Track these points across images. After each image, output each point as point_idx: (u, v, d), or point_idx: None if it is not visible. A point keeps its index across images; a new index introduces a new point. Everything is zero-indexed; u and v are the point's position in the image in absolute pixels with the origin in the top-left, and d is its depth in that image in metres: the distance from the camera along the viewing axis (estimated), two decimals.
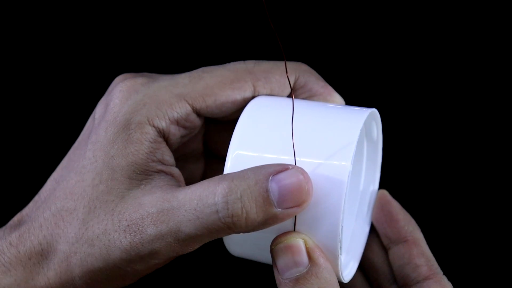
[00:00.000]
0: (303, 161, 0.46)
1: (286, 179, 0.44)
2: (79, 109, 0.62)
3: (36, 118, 0.69)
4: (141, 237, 0.45)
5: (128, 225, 0.45)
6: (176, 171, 0.49)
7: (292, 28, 0.69)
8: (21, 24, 0.68)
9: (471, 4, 0.67)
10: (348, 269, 0.53)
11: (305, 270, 0.45)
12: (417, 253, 0.52)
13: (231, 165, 0.47)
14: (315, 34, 0.69)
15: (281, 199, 0.44)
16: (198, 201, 0.44)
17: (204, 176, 0.56)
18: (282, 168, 0.44)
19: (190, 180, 0.56)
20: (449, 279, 0.52)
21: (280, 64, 0.51)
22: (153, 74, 0.51)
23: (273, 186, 0.44)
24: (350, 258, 0.54)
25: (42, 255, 0.47)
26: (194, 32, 0.69)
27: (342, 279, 0.48)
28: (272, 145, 0.47)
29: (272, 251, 0.46)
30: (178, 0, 0.68)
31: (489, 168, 0.68)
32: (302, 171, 0.44)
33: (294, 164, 0.45)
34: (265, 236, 0.47)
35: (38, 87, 0.69)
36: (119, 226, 0.46)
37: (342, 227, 0.46)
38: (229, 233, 0.45)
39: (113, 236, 0.46)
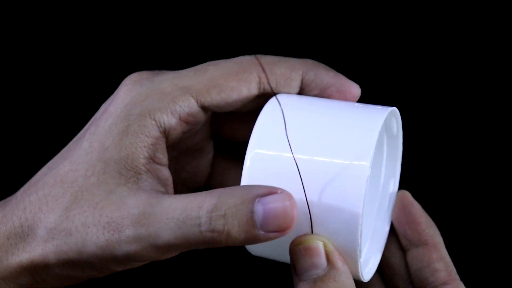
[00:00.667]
0: (321, 161, 0.45)
1: (272, 202, 0.44)
2: (83, 107, 0.62)
3: (38, 118, 0.69)
4: (119, 237, 0.45)
5: (107, 222, 0.45)
6: (166, 173, 0.48)
7: (305, 26, 0.68)
8: (29, 28, 0.68)
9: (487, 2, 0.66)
10: (369, 267, 0.53)
11: (323, 272, 0.45)
12: (437, 258, 0.52)
13: (250, 164, 0.47)
14: (328, 33, 0.68)
15: (264, 222, 0.44)
16: (182, 211, 0.44)
17: (212, 172, 0.56)
18: (270, 191, 0.44)
19: (194, 176, 0.56)
20: (466, 285, 0.52)
21: (287, 59, 0.50)
22: (162, 70, 0.50)
23: (259, 208, 0.44)
24: (371, 255, 0.54)
25: (21, 237, 0.47)
26: (199, 33, 0.68)
27: (362, 278, 0.48)
28: (294, 146, 0.46)
29: (291, 251, 0.46)
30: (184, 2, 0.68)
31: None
32: (289, 196, 0.44)
33: (299, 176, 0.45)
34: (285, 238, 0.46)
35: (41, 88, 0.69)
36: (99, 221, 0.45)
37: (361, 231, 0.45)
38: (207, 247, 0.45)
39: (91, 230, 0.45)
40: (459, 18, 0.67)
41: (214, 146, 0.56)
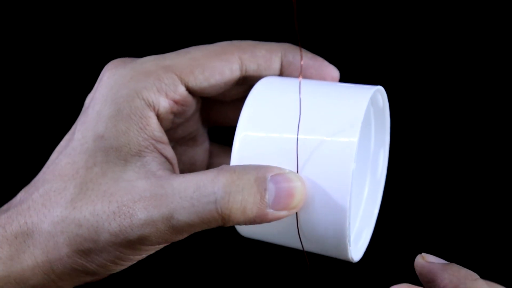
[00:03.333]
0: (309, 139, 0.46)
1: (284, 181, 0.45)
2: (76, 106, 0.63)
3: (32, 115, 0.69)
4: (131, 221, 0.45)
5: (117, 207, 0.45)
6: (169, 151, 0.49)
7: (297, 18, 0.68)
8: (21, 24, 0.69)
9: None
10: (360, 243, 0.53)
11: None
12: None
13: (239, 146, 0.47)
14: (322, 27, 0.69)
15: (275, 201, 0.45)
16: (196, 189, 0.45)
17: (209, 160, 0.57)
18: (280, 172, 0.45)
19: (192, 165, 0.56)
20: None
21: (265, 42, 0.51)
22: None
23: (271, 186, 0.45)
24: (362, 229, 0.54)
25: (28, 234, 0.47)
26: (192, 31, 0.69)
27: (351, 259, 0.48)
28: (280, 126, 0.47)
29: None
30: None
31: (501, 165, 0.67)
32: (299, 177, 0.45)
33: (296, 143, 0.46)
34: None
35: (33, 85, 0.69)
36: (108, 207, 0.45)
37: (351, 208, 0.46)
38: (219, 225, 0.45)
39: (102, 218, 0.45)
40: (454, 10, 0.67)
41: (209, 136, 0.56)
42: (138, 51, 0.67)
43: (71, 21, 0.69)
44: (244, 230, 0.50)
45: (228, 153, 0.56)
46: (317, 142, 0.46)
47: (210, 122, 0.56)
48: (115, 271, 0.48)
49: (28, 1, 0.68)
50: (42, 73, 0.69)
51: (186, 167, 0.56)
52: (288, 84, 0.49)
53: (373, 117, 0.55)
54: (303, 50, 0.52)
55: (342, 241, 0.46)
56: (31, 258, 0.47)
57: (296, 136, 0.46)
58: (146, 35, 0.69)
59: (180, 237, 0.46)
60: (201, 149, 0.56)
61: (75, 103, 0.67)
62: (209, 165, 0.57)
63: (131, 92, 0.47)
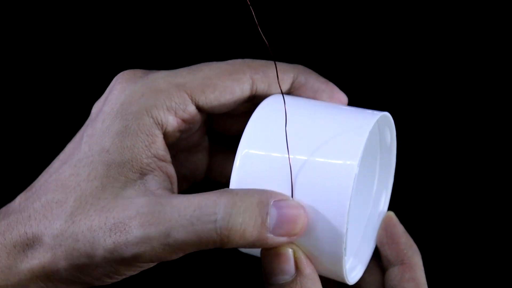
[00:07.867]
0: (310, 161, 0.46)
1: (286, 208, 0.45)
2: (78, 108, 0.62)
3: (35, 117, 0.69)
4: (126, 238, 0.44)
5: (114, 224, 0.45)
6: (170, 170, 0.48)
7: (296, 32, 0.68)
8: (23, 25, 0.69)
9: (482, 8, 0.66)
10: (355, 272, 0.53)
11: (291, 279, 0.46)
12: (408, 278, 0.52)
13: (240, 163, 0.47)
14: (320, 38, 0.68)
15: (277, 226, 0.45)
16: (197, 208, 0.44)
17: (209, 168, 0.57)
18: (283, 198, 0.45)
19: (194, 170, 0.56)
20: None
21: (279, 63, 0.51)
22: (154, 70, 0.51)
23: (273, 211, 0.45)
24: (358, 261, 0.54)
25: (27, 244, 0.46)
26: (193, 38, 0.69)
27: (347, 281, 0.48)
28: (281, 146, 0.47)
29: (262, 255, 0.47)
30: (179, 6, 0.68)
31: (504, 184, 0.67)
32: (302, 205, 0.46)
33: (291, 177, 0.46)
34: None
35: (37, 87, 0.69)
36: (105, 223, 0.45)
37: (347, 229, 0.45)
38: (217, 246, 0.45)
39: (98, 234, 0.45)
40: (454, 22, 0.67)
41: (209, 138, 0.57)
42: (142, 53, 0.68)
43: (74, 23, 0.68)
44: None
45: (228, 155, 0.56)
46: (316, 163, 0.46)
47: (213, 131, 0.56)
48: (110, 283, 0.48)
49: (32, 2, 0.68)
50: (40, 74, 0.69)
51: (188, 173, 0.56)
52: (296, 104, 0.49)
53: (379, 155, 0.55)
54: (316, 74, 0.52)
55: (338, 265, 0.47)
56: (28, 267, 0.47)
57: (288, 156, 0.46)
58: (151, 38, 0.69)
59: (175, 257, 0.45)
60: (202, 153, 0.56)
61: (72, 104, 0.68)
62: (209, 167, 0.57)
63: (141, 109, 0.47)
